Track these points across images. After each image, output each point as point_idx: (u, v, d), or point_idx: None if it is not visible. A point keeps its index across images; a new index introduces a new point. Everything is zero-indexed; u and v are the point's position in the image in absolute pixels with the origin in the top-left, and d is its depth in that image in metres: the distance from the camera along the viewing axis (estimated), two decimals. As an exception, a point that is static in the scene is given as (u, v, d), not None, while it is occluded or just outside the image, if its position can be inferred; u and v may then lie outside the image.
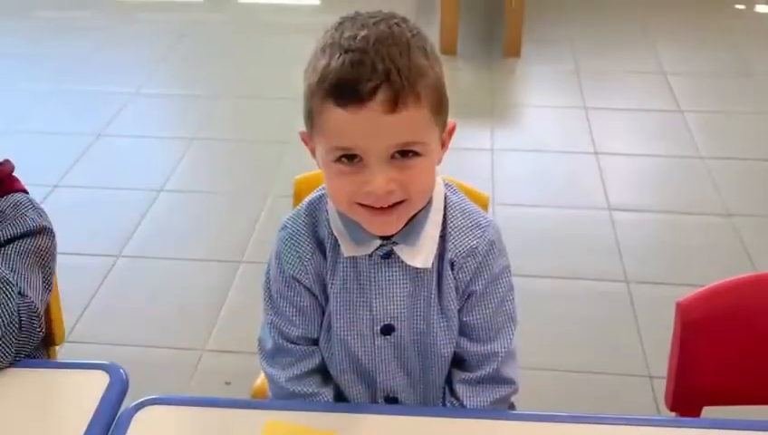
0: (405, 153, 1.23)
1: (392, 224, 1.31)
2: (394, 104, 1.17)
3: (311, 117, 1.26)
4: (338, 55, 1.19)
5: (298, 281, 1.42)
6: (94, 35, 5.17)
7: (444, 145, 1.33)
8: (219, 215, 3.48)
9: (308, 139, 1.32)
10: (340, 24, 1.25)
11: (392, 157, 1.22)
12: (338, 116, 1.20)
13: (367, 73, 1.17)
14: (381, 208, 1.26)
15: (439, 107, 1.26)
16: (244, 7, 5.90)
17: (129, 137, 4.04)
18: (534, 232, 3.30)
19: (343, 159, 1.23)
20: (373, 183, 1.22)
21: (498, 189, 3.53)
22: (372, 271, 1.39)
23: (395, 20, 1.25)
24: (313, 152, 1.32)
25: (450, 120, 1.33)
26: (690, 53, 4.91)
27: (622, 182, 3.63)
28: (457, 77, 4.64)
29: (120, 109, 4.26)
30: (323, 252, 1.41)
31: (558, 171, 3.73)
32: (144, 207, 3.46)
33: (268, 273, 1.48)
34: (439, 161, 1.33)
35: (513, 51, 4.80)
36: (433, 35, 4.61)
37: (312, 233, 1.42)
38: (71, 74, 4.69)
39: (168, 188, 3.59)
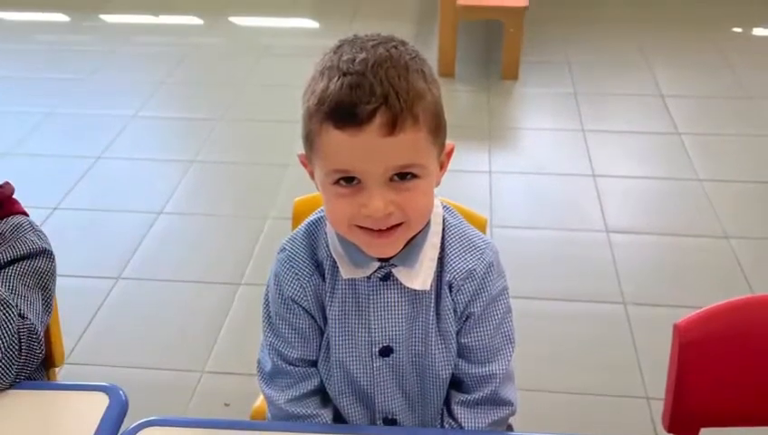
0: (403, 175, 1.23)
1: (391, 246, 1.31)
2: (392, 127, 1.18)
3: (309, 139, 1.26)
4: (336, 78, 1.19)
5: (297, 303, 1.42)
6: (93, 59, 5.19)
7: (442, 167, 1.33)
8: (218, 237, 3.48)
9: (306, 161, 1.32)
10: (339, 46, 1.26)
11: (391, 179, 1.22)
12: (336, 139, 1.20)
13: (365, 96, 1.17)
14: (380, 231, 1.26)
15: (437, 129, 1.26)
16: (243, 30, 5.93)
17: (129, 160, 4.05)
18: (532, 254, 3.31)
19: (342, 181, 1.24)
20: (371, 205, 1.22)
21: (496, 211, 3.54)
22: (371, 293, 1.39)
23: (393, 43, 1.25)
24: (312, 175, 1.32)
25: (448, 142, 1.33)
26: (687, 75, 4.92)
27: (620, 204, 3.64)
28: (456, 99, 4.66)
29: (120, 132, 4.27)
30: (322, 274, 1.42)
31: (556, 193, 3.74)
32: (143, 230, 3.46)
33: (267, 295, 1.48)
34: (438, 183, 1.33)
35: (512, 73, 4.82)
36: (431, 58, 4.63)
37: (311, 255, 1.43)
38: (70, 98, 4.70)
39: (167, 211, 3.60)
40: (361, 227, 1.27)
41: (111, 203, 3.68)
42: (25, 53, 5.38)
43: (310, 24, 6.09)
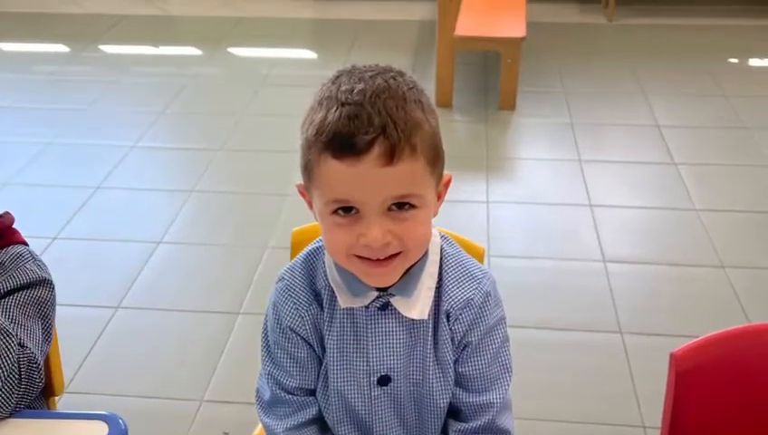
0: (401, 205, 1.23)
1: (389, 275, 1.31)
2: (390, 157, 1.18)
3: (308, 169, 1.26)
4: (335, 108, 1.19)
5: (295, 332, 1.43)
6: (93, 89, 5.22)
7: (440, 197, 1.34)
8: (217, 266, 3.49)
9: (305, 191, 1.32)
10: (337, 77, 1.26)
11: (389, 209, 1.23)
12: (335, 169, 1.20)
13: (363, 127, 1.17)
14: (378, 260, 1.26)
15: (435, 160, 1.26)
16: (242, 60, 5.97)
17: (128, 189, 4.06)
18: (530, 283, 3.32)
19: (340, 211, 1.24)
20: (369, 235, 1.22)
21: (494, 241, 3.55)
22: (369, 322, 1.40)
23: (391, 73, 1.25)
24: (310, 205, 1.32)
25: (446, 172, 1.33)
26: (684, 105, 4.95)
27: (617, 234, 3.65)
28: (453, 130, 4.69)
29: (119, 162, 4.29)
30: (320, 303, 1.42)
31: (553, 223, 3.75)
32: (143, 259, 3.48)
33: (266, 324, 1.49)
34: (435, 213, 1.33)
35: (509, 103, 4.85)
36: (429, 88, 4.66)
37: (310, 284, 1.43)
38: (70, 128, 4.72)
39: (166, 240, 3.61)
40: (359, 257, 1.27)
41: (111, 233, 3.69)
42: (26, 83, 5.41)
43: (308, 54, 6.13)
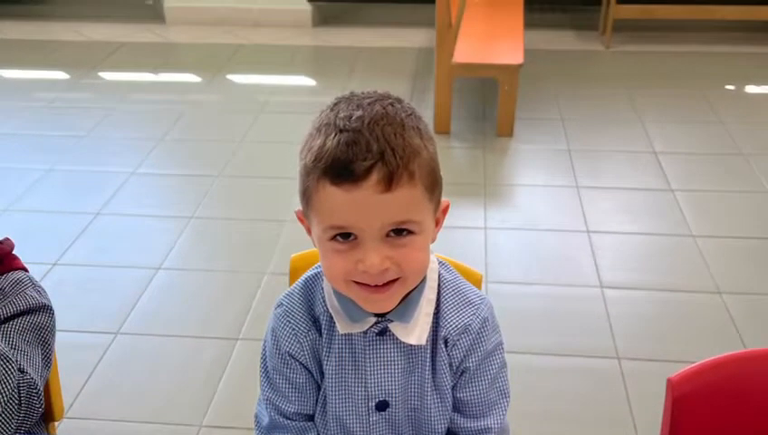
0: (399, 231, 1.24)
1: (387, 301, 1.32)
2: (388, 183, 1.19)
3: (306, 196, 1.26)
4: (333, 135, 1.20)
5: (294, 357, 1.44)
6: (92, 116, 5.24)
7: (438, 223, 1.35)
8: (216, 292, 3.49)
9: (303, 217, 1.33)
10: (336, 104, 1.27)
11: (387, 235, 1.23)
12: (333, 195, 1.20)
13: (361, 153, 1.18)
14: (376, 286, 1.27)
15: (433, 186, 1.27)
16: (241, 87, 5.99)
17: (127, 216, 4.07)
18: (527, 309, 3.32)
19: (338, 237, 1.25)
20: (368, 261, 1.23)
21: (491, 267, 3.56)
22: (367, 348, 1.41)
23: (389, 100, 1.27)
24: (309, 231, 1.33)
25: (444, 198, 1.34)
26: (680, 132, 4.96)
27: (614, 260, 3.65)
28: (451, 156, 4.71)
29: (119, 188, 4.30)
30: (319, 329, 1.43)
31: (550, 249, 3.76)
32: (142, 285, 3.48)
33: (264, 349, 1.50)
34: (433, 240, 1.34)
35: (507, 130, 4.87)
36: (427, 115, 4.71)
37: (308, 310, 1.44)
38: (69, 154, 4.74)
39: (165, 266, 3.62)
40: (358, 283, 1.28)
41: (110, 259, 3.70)
42: (26, 110, 5.43)
43: (307, 81, 6.16)
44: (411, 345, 1.40)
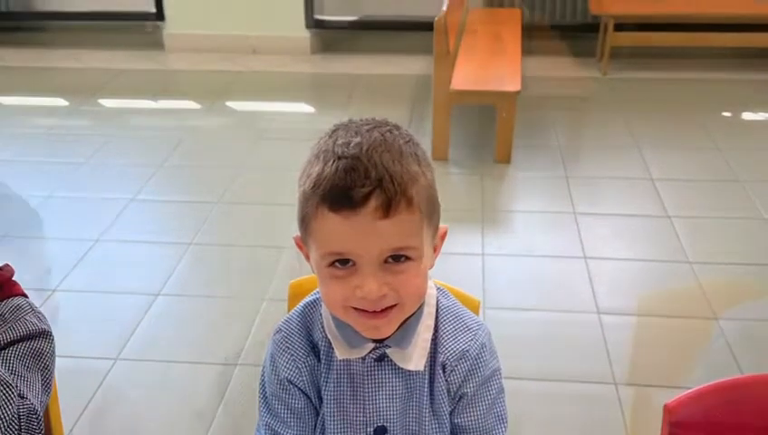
0: (397, 258, 1.25)
1: (385, 327, 1.32)
2: (387, 210, 1.19)
3: (305, 222, 1.27)
4: (331, 162, 1.21)
5: (292, 383, 1.45)
6: (92, 143, 5.25)
7: (436, 250, 1.36)
8: (215, 318, 3.50)
9: (302, 244, 1.34)
10: (334, 131, 1.28)
11: (385, 261, 1.24)
12: (332, 221, 1.21)
13: (360, 180, 1.19)
14: (374, 312, 1.28)
15: (431, 212, 1.28)
16: (241, 114, 6.01)
17: (127, 242, 4.08)
18: (524, 335, 3.33)
19: (337, 263, 1.25)
20: (366, 287, 1.24)
21: (489, 293, 3.57)
22: (365, 373, 1.42)
23: (387, 127, 1.28)
24: (308, 257, 1.34)
25: (442, 225, 1.35)
26: (677, 158, 4.98)
27: (611, 286, 3.66)
28: (449, 182, 4.72)
29: (118, 214, 4.31)
30: (317, 355, 1.44)
31: (548, 275, 3.77)
32: (142, 311, 3.48)
33: (263, 375, 1.51)
34: (431, 266, 1.34)
35: (504, 157, 4.88)
36: (425, 142, 4.72)
37: (306, 336, 1.45)
38: (69, 181, 4.75)
39: (164, 292, 3.62)
40: (356, 309, 1.28)
41: (110, 285, 3.70)
42: (25, 137, 5.44)
43: (306, 108, 6.19)
44: (409, 371, 1.40)
